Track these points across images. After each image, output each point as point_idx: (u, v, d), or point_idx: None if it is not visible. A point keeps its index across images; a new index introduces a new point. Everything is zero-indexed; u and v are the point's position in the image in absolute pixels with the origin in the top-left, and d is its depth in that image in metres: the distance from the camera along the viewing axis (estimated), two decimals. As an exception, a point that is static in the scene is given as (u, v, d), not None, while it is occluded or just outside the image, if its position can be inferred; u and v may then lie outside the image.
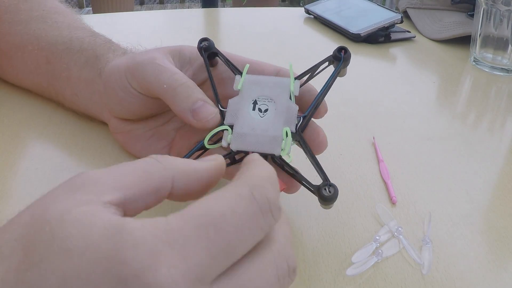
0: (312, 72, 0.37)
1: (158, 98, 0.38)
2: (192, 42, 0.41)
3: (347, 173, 0.44)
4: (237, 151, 0.34)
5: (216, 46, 0.39)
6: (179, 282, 0.19)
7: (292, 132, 0.34)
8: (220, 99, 0.37)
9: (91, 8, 3.61)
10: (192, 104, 0.35)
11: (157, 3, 4.21)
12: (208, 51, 0.38)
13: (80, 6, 3.97)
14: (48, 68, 0.48)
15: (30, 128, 0.48)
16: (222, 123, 0.35)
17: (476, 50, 0.72)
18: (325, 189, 0.32)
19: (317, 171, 0.34)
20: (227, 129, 0.34)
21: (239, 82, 0.36)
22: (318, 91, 0.37)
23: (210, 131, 0.34)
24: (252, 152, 0.33)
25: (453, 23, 0.80)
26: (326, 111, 0.38)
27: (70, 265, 0.19)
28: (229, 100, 0.35)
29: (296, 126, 0.34)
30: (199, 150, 0.35)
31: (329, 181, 0.33)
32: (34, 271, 0.19)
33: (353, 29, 0.79)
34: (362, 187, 0.43)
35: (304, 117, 0.35)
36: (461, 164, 0.47)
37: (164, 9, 4.03)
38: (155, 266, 0.19)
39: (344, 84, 0.63)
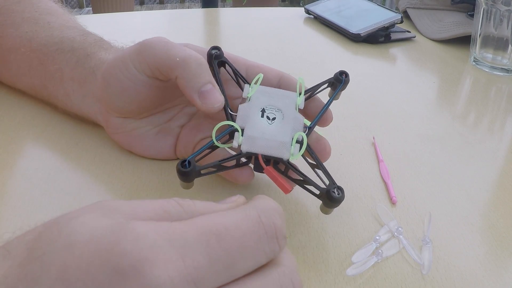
0: (313, 90, 0.40)
1: (165, 82, 0.38)
2: (192, 42, 0.41)
3: (347, 173, 0.44)
4: (246, 152, 0.35)
5: (216, 45, 0.40)
6: (174, 279, 0.19)
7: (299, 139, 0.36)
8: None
9: (91, 8, 3.61)
10: (202, 84, 0.35)
11: (157, 3, 4.21)
12: (218, 59, 0.39)
13: (80, 6, 3.97)
14: (41, 69, 0.48)
15: (30, 128, 0.48)
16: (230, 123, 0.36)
17: (476, 50, 0.72)
18: (333, 191, 0.34)
19: (325, 175, 0.36)
20: (237, 131, 0.35)
21: (250, 90, 0.38)
22: (320, 102, 0.41)
23: (216, 127, 0.35)
24: (262, 155, 0.35)
25: (453, 23, 0.80)
26: (331, 120, 0.41)
27: (71, 257, 0.19)
28: (239, 105, 0.37)
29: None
30: (209, 148, 0.36)
31: (337, 184, 0.35)
32: (35, 264, 0.20)
33: (353, 29, 0.79)
34: (362, 187, 0.43)
35: (309, 128, 0.37)
36: (461, 164, 0.47)
37: (164, 9, 4.03)
38: (154, 260, 0.19)
39: (344, 84, 0.64)
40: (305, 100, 0.40)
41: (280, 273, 0.22)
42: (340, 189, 0.34)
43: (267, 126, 0.36)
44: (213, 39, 0.80)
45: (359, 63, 0.72)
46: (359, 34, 0.78)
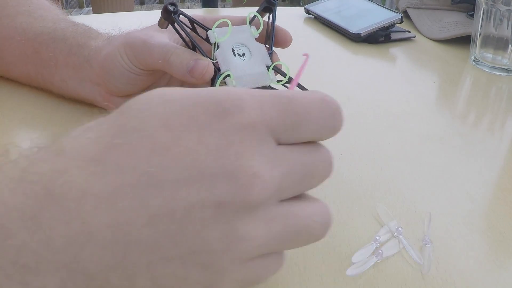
0: (252, 19, 0.44)
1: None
2: (192, 42, 0.42)
3: (347, 173, 0.44)
4: None
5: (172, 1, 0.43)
6: (256, 122, 0.24)
7: (269, 65, 0.42)
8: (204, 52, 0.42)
9: (91, 8, 3.61)
10: (186, 67, 0.40)
11: (157, 3, 4.21)
12: (176, 14, 0.41)
13: (80, 6, 3.97)
14: (36, 57, 0.50)
15: (30, 128, 0.48)
16: (218, 72, 0.40)
17: (476, 50, 0.71)
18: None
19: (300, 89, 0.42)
20: (229, 75, 0.40)
21: (215, 35, 0.41)
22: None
23: (219, 79, 0.40)
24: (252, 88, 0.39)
25: (453, 23, 0.80)
26: (291, 39, 0.46)
27: (172, 109, 0.23)
28: (215, 53, 0.41)
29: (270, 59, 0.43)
30: None
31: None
32: (132, 120, 0.23)
33: (353, 29, 0.79)
34: (362, 187, 0.42)
35: (271, 53, 0.43)
36: (461, 164, 0.47)
37: (164, 9, 4.02)
38: (241, 106, 0.24)
39: (344, 83, 0.64)
40: (257, 30, 0.44)
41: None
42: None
43: (243, 62, 0.41)
44: (213, 39, 0.80)
45: (359, 63, 0.72)
46: (359, 34, 0.78)
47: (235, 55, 0.41)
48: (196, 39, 0.43)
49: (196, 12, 0.97)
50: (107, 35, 0.49)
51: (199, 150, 0.23)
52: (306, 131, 0.25)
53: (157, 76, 0.47)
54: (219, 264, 0.23)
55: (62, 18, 0.53)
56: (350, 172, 0.44)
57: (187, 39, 0.42)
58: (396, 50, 0.78)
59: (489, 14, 0.68)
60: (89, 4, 3.69)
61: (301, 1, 3.94)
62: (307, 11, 0.90)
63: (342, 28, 0.80)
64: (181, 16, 0.41)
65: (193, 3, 4.29)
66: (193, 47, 0.42)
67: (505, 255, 0.36)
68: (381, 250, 0.35)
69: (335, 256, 0.35)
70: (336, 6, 0.88)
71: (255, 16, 0.44)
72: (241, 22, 0.45)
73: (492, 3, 0.67)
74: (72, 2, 4.06)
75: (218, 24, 0.41)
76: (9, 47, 0.52)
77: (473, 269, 0.35)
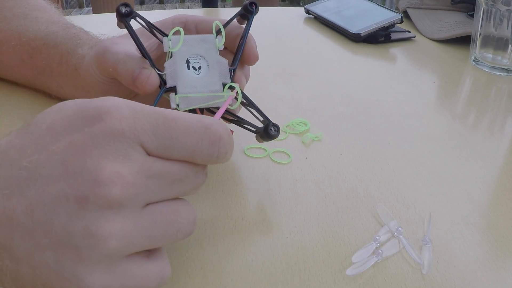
0: (226, 25, 0.40)
1: None
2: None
3: (347, 173, 0.44)
4: (184, 111, 0.37)
5: (125, 2, 0.40)
6: (125, 132, 0.26)
7: (226, 83, 0.38)
8: (155, 62, 0.38)
9: (91, 8, 3.61)
10: (131, 75, 0.38)
11: (157, 3, 4.21)
12: (129, 15, 0.38)
13: (80, 6, 3.97)
14: (31, 63, 0.50)
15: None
16: (164, 86, 0.37)
17: (476, 50, 0.72)
18: (271, 129, 0.37)
19: (257, 112, 0.39)
20: (174, 91, 0.37)
21: (169, 44, 0.38)
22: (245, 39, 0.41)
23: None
24: (199, 109, 0.37)
25: (453, 23, 0.80)
26: (257, 58, 0.42)
27: (60, 115, 0.27)
28: (165, 64, 0.38)
29: (231, 78, 0.38)
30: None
31: (271, 121, 0.38)
32: (30, 125, 0.27)
33: (353, 29, 0.79)
34: (362, 187, 0.43)
35: (234, 70, 0.39)
36: (461, 164, 0.47)
37: (164, 9, 4.03)
38: (113, 114, 0.26)
39: (344, 83, 0.64)
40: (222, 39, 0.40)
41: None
42: (275, 126, 0.37)
43: (196, 77, 0.37)
44: (213, 39, 0.80)
45: (359, 63, 0.72)
46: (359, 34, 0.78)
47: (189, 68, 0.37)
48: (159, 45, 0.40)
49: (196, 12, 0.97)
50: (94, 41, 0.48)
51: (68, 149, 0.25)
52: (179, 154, 0.27)
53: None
54: (87, 261, 0.25)
55: (55, 20, 0.53)
56: (350, 172, 0.44)
57: (137, 44, 0.38)
58: (396, 50, 0.78)
59: (489, 14, 0.68)
60: (89, 4, 3.69)
61: (301, 1, 3.94)
62: (307, 11, 0.90)
63: (342, 28, 0.81)
64: (138, 19, 0.38)
65: (193, 3, 4.29)
66: (142, 53, 0.38)
67: (505, 255, 0.36)
68: (381, 250, 0.35)
69: (335, 256, 0.35)
70: (336, 6, 0.88)
71: (250, 20, 0.40)
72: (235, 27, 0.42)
73: (492, 3, 0.67)
74: (72, 2, 4.06)
75: (175, 31, 0.38)
76: (6, 51, 0.52)
77: (473, 269, 0.35)
